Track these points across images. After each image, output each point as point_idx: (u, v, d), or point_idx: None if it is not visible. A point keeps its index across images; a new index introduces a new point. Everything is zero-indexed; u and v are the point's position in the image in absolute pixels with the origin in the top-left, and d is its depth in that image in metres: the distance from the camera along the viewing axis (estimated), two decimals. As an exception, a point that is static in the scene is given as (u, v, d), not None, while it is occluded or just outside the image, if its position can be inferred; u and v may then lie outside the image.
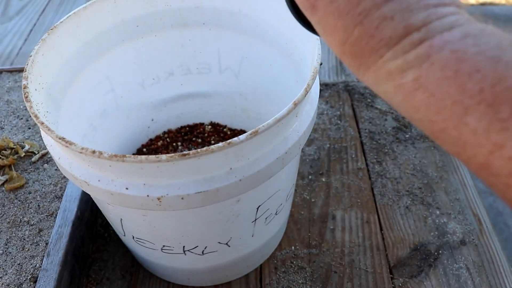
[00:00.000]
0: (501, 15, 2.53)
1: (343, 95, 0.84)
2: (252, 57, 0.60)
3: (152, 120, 0.68)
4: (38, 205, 0.60)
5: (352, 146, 0.75)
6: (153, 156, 0.34)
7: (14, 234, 0.57)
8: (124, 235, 0.51)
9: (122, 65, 0.59)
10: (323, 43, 0.98)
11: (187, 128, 0.70)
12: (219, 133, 0.70)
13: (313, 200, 0.67)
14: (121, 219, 0.46)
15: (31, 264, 0.54)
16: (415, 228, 0.64)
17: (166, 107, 0.67)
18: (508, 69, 0.19)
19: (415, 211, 0.66)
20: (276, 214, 0.52)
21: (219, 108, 0.69)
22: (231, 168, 0.38)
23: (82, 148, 0.35)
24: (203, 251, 0.49)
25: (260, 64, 0.60)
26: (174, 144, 0.69)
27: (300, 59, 0.52)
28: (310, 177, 0.70)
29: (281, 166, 0.41)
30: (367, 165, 0.72)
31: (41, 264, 0.54)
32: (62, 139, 0.36)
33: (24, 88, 0.41)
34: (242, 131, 0.70)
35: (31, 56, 0.45)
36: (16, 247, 0.56)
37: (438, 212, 0.66)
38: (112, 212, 0.46)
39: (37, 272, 0.54)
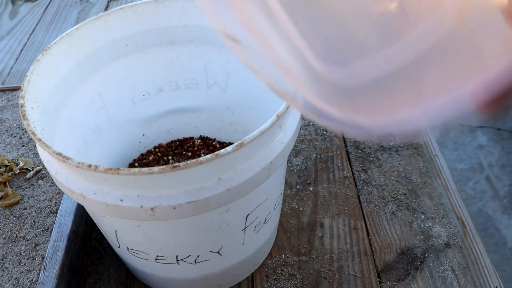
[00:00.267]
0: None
1: (328, 106, 0.87)
2: (238, 72, 0.63)
3: (143, 135, 0.69)
4: (34, 221, 0.62)
5: (338, 155, 0.77)
6: (146, 168, 0.36)
7: (10, 250, 0.59)
8: (119, 247, 0.52)
9: (113, 82, 0.61)
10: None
11: (177, 142, 0.72)
12: (209, 146, 0.72)
13: (301, 209, 0.69)
14: (116, 231, 0.48)
15: (27, 278, 0.56)
16: (401, 233, 0.66)
17: (156, 122, 0.69)
18: None
19: (400, 216, 0.68)
20: (265, 222, 0.54)
21: (208, 122, 0.71)
22: (219, 178, 0.40)
23: (79, 163, 0.37)
24: (196, 260, 0.51)
25: (246, 78, 0.62)
26: (165, 158, 0.71)
27: (284, 73, 0.54)
28: (298, 186, 0.72)
29: (267, 175, 0.43)
30: (353, 173, 0.75)
31: (38, 278, 0.55)
32: (59, 154, 0.38)
33: (21, 107, 0.43)
34: (231, 144, 0.72)
35: (26, 76, 0.47)
36: (13, 262, 0.58)
37: (423, 216, 0.68)
38: (107, 225, 0.48)
39: (34, 286, 0.55)
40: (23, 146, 0.72)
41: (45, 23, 1.14)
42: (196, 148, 0.71)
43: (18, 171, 0.67)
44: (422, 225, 0.67)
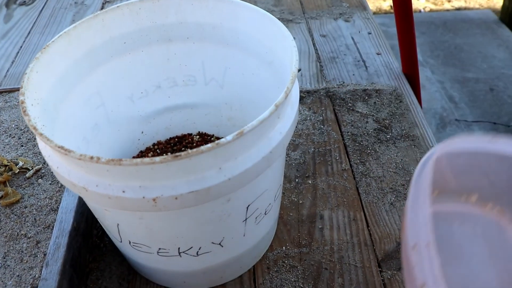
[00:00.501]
0: (475, 18, 2.61)
1: (324, 101, 0.88)
2: (235, 68, 0.63)
3: (142, 132, 0.70)
4: (35, 219, 0.62)
5: (336, 148, 0.78)
6: (148, 158, 0.36)
7: (12, 248, 0.59)
8: (121, 241, 0.53)
9: (112, 80, 0.61)
10: (300, 50, 1.01)
11: (176, 139, 0.73)
12: (207, 142, 0.72)
13: (301, 201, 0.70)
14: (118, 225, 0.49)
15: (30, 275, 0.56)
16: (400, 223, 0.67)
17: (155, 119, 0.70)
18: None
19: (399, 207, 0.69)
20: (265, 214, 0.54)
21: (206, 118, 0.72)
22: (220, 168, 0.40)
23: (81, 155, 0.38)
24: (198, 252, 0.51)
25: (243, 73, 0.63)
26: (164, 155, 0.71)
27: (280, 66, 0.55)
28: (297, 180, 0.73)
29: (267, 165, 0.44)
30: (351, 166, 0.75)
31: (40, 274, 0.56)
32: (61, 147, 0.38)
33: (22, 103, 0.44)
34: (230, 139, 0.72)
35: (26, 73, 0.47)
36: (15, 260, 0.58)
37: None
38: (109, 219, 0.49)
39: (37, 282, 0.55)
40: (22, 146, 0.73)
41: (40, 26, 1.14)
42: (195, 144, 0.72)
43: (18, 170, 0.67)
44: None
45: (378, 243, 0.65)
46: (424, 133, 0.81)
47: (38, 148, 0.72)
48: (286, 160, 0.76)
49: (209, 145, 0.37)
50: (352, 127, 0.82)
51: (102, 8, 1.21)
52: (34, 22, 1.15)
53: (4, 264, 0.57)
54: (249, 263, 0.61)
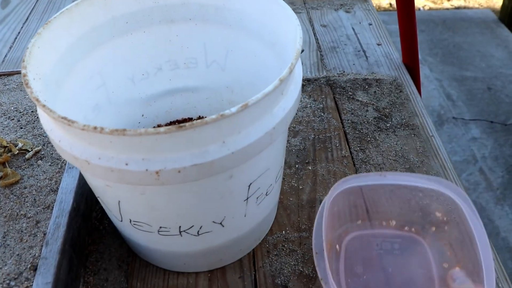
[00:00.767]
0: (475, 17, 2.61)
1: (325, 89, 0.88)
2: (237, 50, 0.63)
3: (143, 115, 0.70)
4: (34, 199, 0.62)
5: (336, 136, 0.78)
6: (152, 128, 0.36)
7: (11, 227, 0.59)
8: (121, 221, 0.52)
9: (113, 60, 0.61)
10: (304, 29, 1.01)
11: (176, 123, 0.72)
12: (208, 126, 0.72)
13: (300, 187, 0.70)
14: (119, 202, 0.48)
15: (30, 254, 0.56)
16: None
17: (155, 102, 0.69)
18: None
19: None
20: (266, 194, 0.54)
21: (207, 102, 0.71)
22: (224, 142, 0.40)
23: (84, 125, 0.37)
24: (198, 231, 0.51)
25: (245, 56, 0.63)
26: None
27: (283, 47, 0.54)
28: (297, 166, 0.73)
29: (270, 141, 0.44)
30: (351, 153, 0.75)
31: (40, 253, 0.55)
32: (64, 118, 0.38)
33: (24, 76, 0.43)
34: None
35: (28, 48, 0.47)
36: (14, 239, 0.58)
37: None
38: (110, 195, 0.48)
39: (37, 261, 0.55)
40: (21, 128, 0.72)
41: (38, 12, 1.14)
42: (195, 128, 0.71)
43: (17, 151, 0.67)
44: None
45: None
46: (423, 122, 0.82)
47: (37, 130, 0.72)
48: (287, 146, 0.76)
49: (213, 116, 0.37)
50: (352, 115, 0.82)
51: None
52: (32, 8, 1.14)
53: (4, 243, 0.57)
54: (249, 245, 0.61)
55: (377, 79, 0.91)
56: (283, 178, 0.71)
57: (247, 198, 0.50)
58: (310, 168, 0.73)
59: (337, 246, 0.61)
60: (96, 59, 0.59)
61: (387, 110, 0.83)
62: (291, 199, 0.68)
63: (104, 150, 0.40)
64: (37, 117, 0.74)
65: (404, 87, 0.89)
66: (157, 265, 0.61)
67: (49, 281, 0.52)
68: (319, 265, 0.50)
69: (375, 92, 0.88)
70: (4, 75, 0.85)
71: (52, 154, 0.68)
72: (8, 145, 0.67)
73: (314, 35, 1.04)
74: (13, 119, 0.74)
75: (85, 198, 0.64)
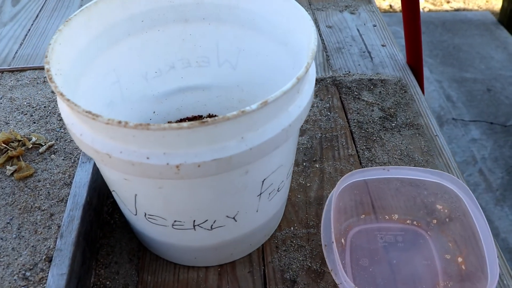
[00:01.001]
0: (474, 20, 2.63)
1: (331, 89, 0.89)
2: (249, 49, 0.64)
3: (154, 112, 0.71)
4: (48, 192, 0.63)
5: (342, 135, 0.79)
6: (175, 123, 0.37)
7: (26, 219, 0.60)
8: (136, 214, 0.54)
9: (128, 58, 0.62)
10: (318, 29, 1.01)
11: (187, 120, 0.74)
12: (217, 124, 0.73)
13: (308, 184, 0.71)
14: (136, 195, 0.50)
15: (44, 246, 0.57)
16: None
17: (167, 99, 0.71)
18: None
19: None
20: (278, 190, 0.55)
21: (217, 100, 0.73)
22: (242, 137, 0.42)
23: (108, 119, 0.39)
24: (212, 225, 0.52)
25: (257, 55, 0.64)
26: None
27: (295, 46, 0.56)
28: (304, 164, 0.74)
29: (286, 138, 0.45)
30: (357, 151, 0.77)
31: (55, 245, 0.57)
32: (89, 112, 0.39)
33: (47, 71, 0.45)
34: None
35: (50, 44, 0.48)
36: (29, 231, 0.59)
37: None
38: (127, 189, 0.50)
39: (51, 253, 0.56)
40: (34, 123, 0.73)
41: (48, 10, 1.15)
42: (205, 125, 0.73)
43: (31, 145, 0.68)
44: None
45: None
46: (428, 122, 0.83)
47: (50, 125, 0.73)
48: (294, 144, 0.77)
49: (234, 112, 0.38)
50: (358, 115, 0.84)
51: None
52: (42, 6, 1.15)
53: (19, 235, 0.58)
54: (259, 241, 0.62)
55: (382, 79, 0.92)
56: (291, 176, 0.72)
57: (260, 194, 0.52)
58: (317, 166, 0.74)
59: (343, 240, 0.63)
60: (112, 56, 0.60)
61: (392, 110, 0.85)
62: (299, 196, 0.70)
63: (126, 144, 0.42)
64: (50, 112, 0.76)
65: (409, 88, 0.91)
66: (167, 259, 0.63)
67: (64, 272, 0.54)
68: (328, 257, 0.51)
69: (380, 92, 0.89)
70: (17, 70, 0.86)
71: (65, 148, 0.69)
72: (22, 139, 0.68)
73: (320, 36, 1.05)
74: (26, 114, 0.75)
75: (98, 192, 0.65)
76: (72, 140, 0.71)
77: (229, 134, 0.41)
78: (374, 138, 0.79)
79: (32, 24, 1.09)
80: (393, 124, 0.82)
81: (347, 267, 0.60)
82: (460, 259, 0.60)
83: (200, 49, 0.66)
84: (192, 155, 0.41)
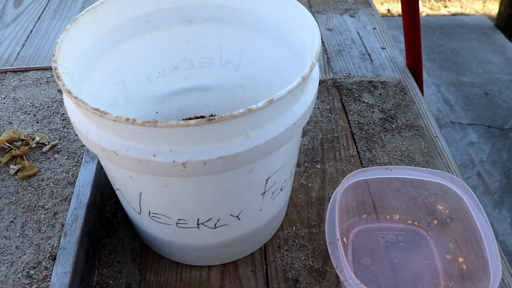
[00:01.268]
0: (471, 24, 2.65)
1: (332, 91, 0.90)
2: (252, 50, 0.65)
3: (157, 113, 0.71)
4: (52, 191, 0.63)
5: (343, 136, 0.80)
6: (183, 121, 0.38)
7: (29, 218, 0.60)
8: (140, 213, 0.54)
9: (132, 58, 0.63)
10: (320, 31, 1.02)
11: (189, 121, 0.74)
12: (220, 124, 0.74)
13: (310, 185, 0.72)
14: (141, 193, 0.50)
15: (48, 244, 0.57)
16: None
17: (169, 100, 0.71)
18: None
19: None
20: (281, 190, 0.56)
21: (220, 101, 0.73)
22: (248, 135, 0.42)
23: (116, 117, 0.39)
24: (216, 224, 0.53)
25: (260, 56, 0.65)
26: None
27: (299, 47, 0.56)
28: (306, 164, 0.75)
29: (290, 136, 0.45)
30: (358, 152, 0.77)
31: (59, 243, 0.57)
32: (97, 109, 0.40)
33: (55, 69, 0.45)
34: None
35: (57, 43, 0.48)
36: (33, 230, 0.59)
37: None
38: (132, 187, 0.50)
39: (55, 251, 0.57)
40: (38, 123, 0.74)
41: (50, 12, 1.15)
42: (207, 126, 0.73)
43: (35, 145, 0.69)
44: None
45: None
46: (428, 124, 0.84)
47: (53, 125, 0.74)
48: (296, 145, 0.78)
49: (240, 110, 0.39)
50: (359, 116, 0.84)
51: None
52: (44, 8, 1.16)
53: (22, 233, 0.59)
54: (262, 240, 0.63)
55: (382, 81, 0.93)
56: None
57: (264, 192, 0.52)
58: (318, 166, 0.75)
59: (345, 239, 0.63)
60: (116, 56, 0.60)
61: (392, 112, 0.86)
62: (300, 196, 0.70)
63: (132, 142, 0.42)
64: (53, 112, 0.76)
65: (408, 90, 0.91)
66: (170, 259, 0.63)
67: (67, 270, 0.54)
68: (333, 254, 0.52)
69: (380, 94, 0.90)
70: (20, 71, 0.86)
71: (68, 148, 0.69)
72: (25, 138, 0.69)
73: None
74: (29, 114, 0.75)
75: (101, 191, 0.66)
76: (76, 140, 0.71)
77: (235, 132, 0.41)
78: (375, 139, 0.80)
79: (34, 26, 1.10)
80: (393, 126, 0.83)
81: (350, 265, 0.61)
82: (461, 259, 0.61)
83: (203, 50, 0.67)
84: (198, 152, 0.41)
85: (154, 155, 0.41)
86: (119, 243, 0.65)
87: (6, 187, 0.64)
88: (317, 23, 1.11)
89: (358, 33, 1.08)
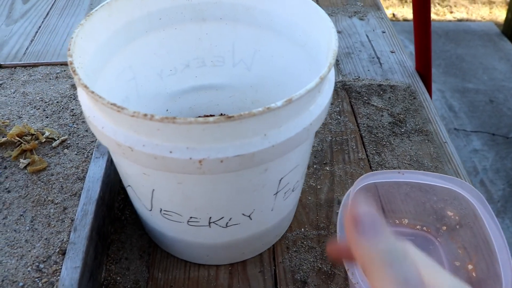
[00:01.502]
0: (478, 30, 2.65)
1: (341, 93, 0.90)
2: (265, 50, 0.65)
3: (167, 110, 0.71)
4: (61, 186, 0.63)
5: (352, 138, 0.80)
6: (201, 118, 0.38)
7: (39, 212, 0.60)
8: (150, 210, 0.54)
9: (144, 55, 0.63)
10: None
11: (199, 120, 0.74)
12: (229, 124, 0.74)
13: (319, 187, 0.72)
14: (153, 190, 0.50)
15: (58, 239, 0.57)
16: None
17: (180, 98, 0.71)
18: None
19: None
20: (293, 190, 0.56)
21: (230, 100, 0.73)
22: (265, 134, 0.42)
23: (134, 112, 0.39)
24: (227, 223, 0.53)
25: (272, 55, 0.64)
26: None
27: (313, 47, 0.56)
28: (315, 166, 0.75)
29: (306, 136, 0.45)
30: (367, 155, 0.77)
31: (68, 238, 0.57)
32: (114, 104, 0.40)
33: (70, 64, 0.45)
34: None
35: (72, 37, 0.48)
36: (42, 224, 0.59)
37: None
38: (145, 184, 0.50)
39: (65, 246, 0.56)
40: (47, 117, 0.74)
41: (58, 8, 1.15)
42: (217, 125, 0.73)
43: (44, 140, 0.68)
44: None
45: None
46: (437, 129, 0.84)
47: (63, 120, 0.73)
48: (305, 147, 0.78)
49: (260, 109, 0.39)
50: (368, 119, 0.84)
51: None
52: (53, 4, 1.16)
53: (32, 227, 0.58)
54: (271, 241, 0.63)
55: (391, 85, 0.93)
56: (302, 177, 0.72)
57: (277, 193, 0.52)
58: (327, 168, 0.74)
59: None
60: (129, 53, 0.60)
61: (402, 116, 0.85)
62: (309, 198, 0.70)
63: (149, 138, 0.42)
64: (63, 108, 0.76)
65: (418, 94, 0.91)
66: (178, 257, 0.63)
67: (77, 265, 0.54)
68: None
69: (389, 98, 0.90)
70: (29, 66, 0.86)
71: (78, 143, 0.69)
72: (35, 133, 0.69)
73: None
74: (38, 109, 0.75)
75: (110, 188, 0.66)
76: (85, 136, 0.71)
77: (253, 130, 0.41)
78: (384, 143, 0.80)
79: (42, 22, 1.10)
80: (402, 130, 0.82)
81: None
82: (470, 266, 0.61)
83: (215, 48, 0.67)
84: (215, 150, 0.41)
85: (171, 152, 0.41)
86: (127, 240, 0.65)
87: (15, 181, 0.64)
88: (327, 25, 1.11)
89: (367, 36, 1.08)
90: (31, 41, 1.02)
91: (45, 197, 0.62)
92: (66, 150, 0.68)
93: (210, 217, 0.51)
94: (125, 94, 0.62)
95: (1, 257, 0.55)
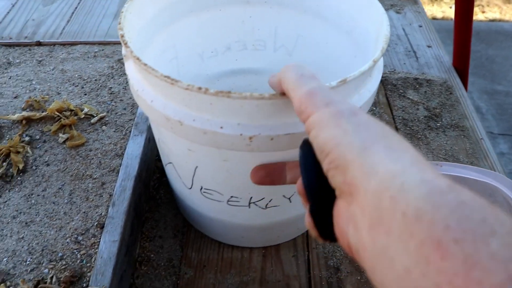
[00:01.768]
0: (511, 31, 2.60)
1: (377, 85, 0.89)
2: (308, 36, 0.64)
3: (205, 92, 0.71)
4: (100, 162, 0.64)
5: (388, 130, 0.79)
6: (257, 93, 0.38)
7: (77, 186, 0.61)
8: (190, 188, 0.54)
9: (187, 35, 0.63)
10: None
11: (235, 104, 0.74)
12: (266, 109, 0.74)
13: (353, 176, 0.71)
14: (196, 167, 0.50)
15: (96, 213, 0.58)
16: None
17: (219, 80, 0.71)
18: None
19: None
20: (332, 176, 0.55)
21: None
22: (316, 114, 0.41)
23: (188, 85, 0.39)
24: (267, 204, 0.52)
25: (316, 42, 0.64)
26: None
27: (360, 34, 0.56)
28: (349, 155, 0.74)
29: (355, 120, 0.45)
30: (403, 148, 0.76)
31: (107, 213, 0.57)
32: (168, 77, 0.40)
33: (122, 37, 0.45)
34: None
35: (122, 12, 0.49)
36: (80, 198, 0.60)
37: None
38: (188, 160, 0.50)
39: (103, 220, 0.57)
40: (85, 95, 0.74)
41: (95, -11, 1.16)
42: (254, 110, 0.73)
43: (83, 116, 0.69)
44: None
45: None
46: (473, 125, 0.82)
47: (101, 98, 0.74)
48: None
49: (315, 87, 0.38)
50: (403, 112, 0.83)
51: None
52: (90, -15, 1.17)
53: (70, 200, 0.59)
54: (304, 227, 0.62)
55: (427, 79, 0.92)
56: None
57: (318, 176, 0.52)
58: (362, 158, 0.74)
59: None
60: (173, 32, 0.60)
61: (437, 110, 0.84)
62: (344, 186, 0.69)
63: (200, 112, 0.42)
64: (101, 86, 0.76)
65: (454, 90, 0.90)
66: (212, 237, 0.63)
67: (116, 239, 0.54)
68: None
69: (425, 92, 0.88)
70: (68, 44, 0.87)
71: (116, 121, 0.70)
72: (74, 109, 0.69)
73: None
74: (77, 86, 0.76)
75: (147, 166, 0.66)
76: (123, 114, 0.71)
77: (305, 109, 0.41)
78: (419, 136, 0.79)
79: (79, 3, 1.10)
80: (438, 124, 0.81)
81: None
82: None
83: (258, 32, 0.67)
84: (266, 127, 0.41)
85: (221, 127, 0.41)
86: (161, 219, 0.65)
87: (54, 155, 0.64)
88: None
89: (403, 29, 1.07)
90: (68, 22, 1.03)
91: (83, 171, 0.62)
92: (104, 127, 0.69)
93: (251, 197, 0.51)
94: (167, 73, 0.62)
95: (41, 227, 0.56)
